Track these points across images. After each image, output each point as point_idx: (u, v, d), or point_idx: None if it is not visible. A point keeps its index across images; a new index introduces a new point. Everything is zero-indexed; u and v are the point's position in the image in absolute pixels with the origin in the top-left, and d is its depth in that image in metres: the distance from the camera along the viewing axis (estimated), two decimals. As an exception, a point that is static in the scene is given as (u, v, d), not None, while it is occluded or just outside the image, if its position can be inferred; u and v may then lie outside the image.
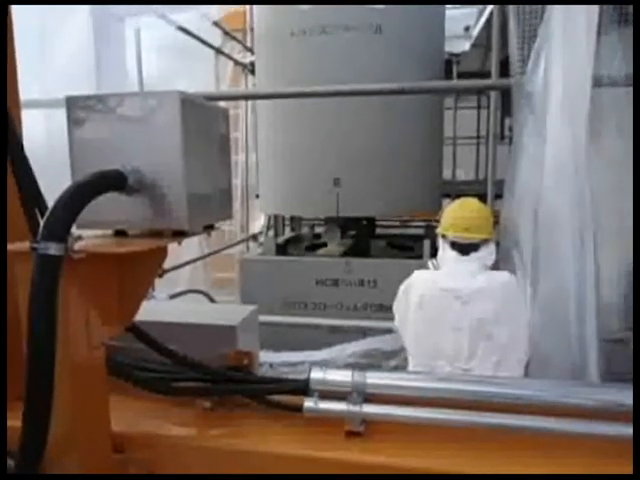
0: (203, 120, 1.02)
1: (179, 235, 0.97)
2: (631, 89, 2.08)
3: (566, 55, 1.83)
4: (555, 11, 1.89)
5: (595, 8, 1.71)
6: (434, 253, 2.29)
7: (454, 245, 2.06)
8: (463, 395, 1.01)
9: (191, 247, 4.55)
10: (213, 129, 1.07)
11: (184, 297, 3.80)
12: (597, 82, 1.86)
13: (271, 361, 2.77)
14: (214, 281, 5.60)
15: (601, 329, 1.67)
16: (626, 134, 1.88)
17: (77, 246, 0.83)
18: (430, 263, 2.17)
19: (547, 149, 1.89)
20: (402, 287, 2.15)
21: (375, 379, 1.03)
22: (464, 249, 2.04)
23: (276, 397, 1.09)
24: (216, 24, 5.03)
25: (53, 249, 0.78)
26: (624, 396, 0.95)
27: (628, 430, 0.91)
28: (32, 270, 0.77)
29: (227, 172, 1.15)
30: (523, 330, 1.95)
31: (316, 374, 1.04)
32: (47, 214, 0.80)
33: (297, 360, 2.84)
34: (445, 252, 2.09)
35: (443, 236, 2.11)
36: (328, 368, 1.06)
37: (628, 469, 0.83)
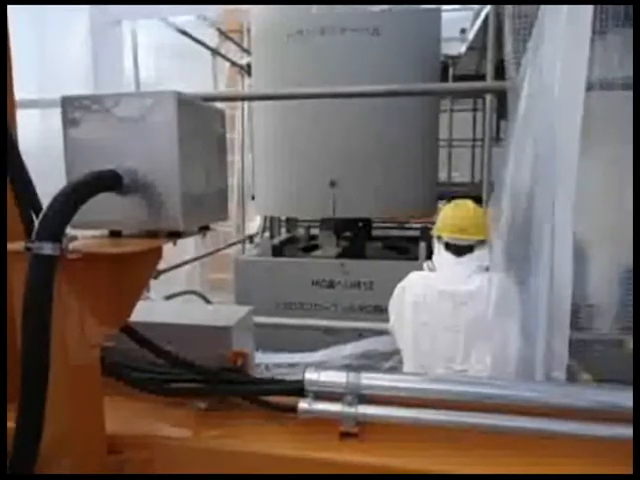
0: (199, 120, 1.02)
1: (174, 236, 0.97)
2: (619, 93, 2.09)
3: (559, 56, 1.84)
4: (548, 12, 1.90)
5: (589, 8, 1.72)
6: (430, 255, 2.30)
7: (449, 246, 2.06)
8: (459, 396, 1.01)
9: (187, 248, 4.54)
10: (209, 129, 1.07)
11: (179, 298, 3.80)
12: (591, 85, 1.87)
13: (267, 362, 2.77)
14: (209, 282, 5.60)
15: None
16: (619, 137, 1.89)
17: (72, 246, 0.83)
18: (425, 265, 2.18)
19: (534, 152, 1.89)
20: (397, 288, 2.15)
21: (370, 380, 1.03)
22: (459, 250, 2.04)
23: (271, 398, 1.09)
24: (214, 25, 5.03)
25: (48, 249, 0.77)
26: (624, 398, 0.95)
27: (628, 432, 0.91)
28: (27, 270, 0.77)
29: (223, 173, 1.15)
30: (515, 331, 1.95)
31: (311, 375, 1.04)
32: (42, 214, 0.80)
33: (293, 361, 2.84)
34: (440, 253, 2.10)
35: (438, 237, 2.11)
36: (323, 369, 1.06)
37: (628, 471, 0.83)
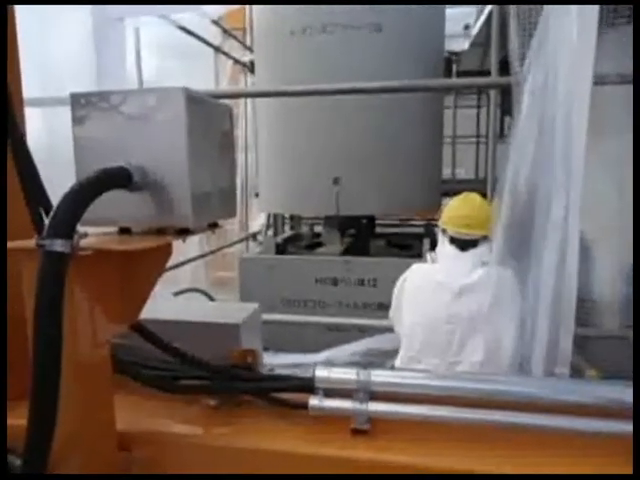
0: (207, 117, 1.02)
1: (183, 233, 0.97)
2: (618, 87, 2.08)
3: (565, 52, 1.83)
4: (553, 9, 1.89)
5: (596, 5, 1.71)
6: (434, 248, 2.30)
7: (453, 240, 2.06)
8: (468, 393, 1.01)
9: (191, 246, 4.55)
10: (217, 126, 1.07)
11: (184, 296, 3.80)
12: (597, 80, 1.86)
13: (272, 363, 2.76)
14: (213, 280, 5.60)
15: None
16: (621, 132, 1.88)
17: (82, 243, 0.83)
18: (428, 256, 2.19)
19: (539, 146, 1.89)
20: (400, 278, 2.17)
21: (380, 377, 1.02)
22: (463, 245, 2.04)
23: (281, 395, 1.08)
24: (215, 23, 5.02)
25: (59, 246, 0.77)
26: (625, 394, 0.95)
27: (629, 427, 0.91)
28: (38, 267, 0.77)
29: (231, 170, 1.14)
30: (512, 325, 1.95)
31: (321, 372, 1.04)
32: (53, 211, 0.80)
33: (298, 362, 2.84)
34: (444, 246, 2.10)
35: (443, 230, 2.12)
36: (333, 366, 1.06)
37: (628, 467, 0.83)
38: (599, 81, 1.95)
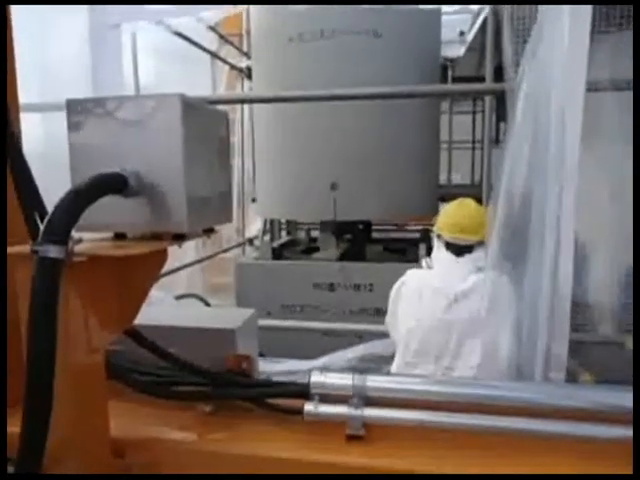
0: (203, 123, 1.02)
1: (179, 238, 0.97)
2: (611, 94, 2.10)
3: (558, 59, 1.85)
4: (546, 13, 1.91)
5: (588, 9, 1.73)
6: (430, 253, 2.30)
7: (449, 246, 2.07)
8: (464, 398, 1.01)
9: (188, 251, 4.54)
10: (213, 132, 1.07)
11: (180, 301, 3.79)
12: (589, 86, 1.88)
13: (268, 369, 2.75)
14: (209, 285, 5.59)
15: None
16: (614, 137, 1.89)
17: (77, 249, 0.83)
18: (424, 261, 2.19)
19: (532, 151, 1.90)
20: (397, 284, 2.17)
21: (375, 382, 1.03)
22: (458, 250, 2.05)
23: (276, 401, 1.08)
24: (212, 28, 5.04)
25: (54, 252, 0.77)
26: (625, 398, 0.95)
27: (628, 433, 0.91)
28: (33, 273, 0.77)
29: (227, 175, 1.15)
30: (508, 330, 1.95)
31: (316, 378, 1.04)
32: (48, 216, 0.80)
33: (295, 369, 2.83)
34: (439, 252, 2.10)
35: (438, 236, 2.12)
36: (328, 371, 1.06)
37: (628, 471, 0.83)
38: (592, 88, 1.96)
